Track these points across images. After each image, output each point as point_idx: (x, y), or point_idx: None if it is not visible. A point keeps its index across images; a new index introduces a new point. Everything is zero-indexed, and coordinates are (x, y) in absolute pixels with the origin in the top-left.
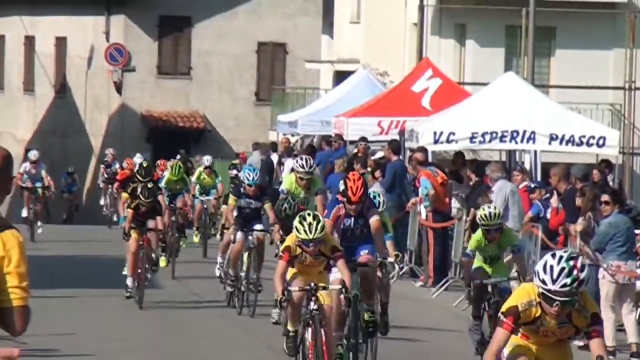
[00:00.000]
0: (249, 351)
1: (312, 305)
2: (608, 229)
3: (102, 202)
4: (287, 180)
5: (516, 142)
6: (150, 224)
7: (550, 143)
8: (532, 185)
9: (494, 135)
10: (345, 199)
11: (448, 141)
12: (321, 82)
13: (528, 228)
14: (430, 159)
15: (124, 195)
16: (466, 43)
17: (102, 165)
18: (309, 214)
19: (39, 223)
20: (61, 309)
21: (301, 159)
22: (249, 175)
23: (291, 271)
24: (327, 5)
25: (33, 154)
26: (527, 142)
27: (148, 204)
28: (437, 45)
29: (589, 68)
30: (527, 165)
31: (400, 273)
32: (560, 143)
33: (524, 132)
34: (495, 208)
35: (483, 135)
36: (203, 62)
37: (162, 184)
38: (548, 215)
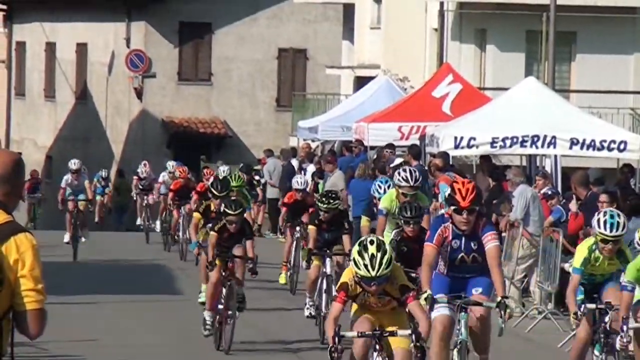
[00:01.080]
0: None
1: (376, 358)
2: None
3: (138, 221)
4: (387, 198)
5: (537, 147)
6: (237, 250)
7: (571, 148)
8: (550, 192)
9: (515, 140)
10: (452, 208)
11: (469, 146)
12: (342, 88)
13: (549, 232)
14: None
15: (196, 215)
16: (487, 48)
17: (135, 177)
18: (372, 242)
19: (82, 239)
20: (83, 315)
21: (404, 170)
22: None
23: (354, 307)
24: (347, 11)
25: (74, 163)
26: (548, 147)
27: (237, 222)
28: (457, 51)
29: (609, 73)
30: (547, 170)
31: None
32: (581, 148)
33: (545, 136)
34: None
35: (504, 140)
36: (224, 68)
37: None
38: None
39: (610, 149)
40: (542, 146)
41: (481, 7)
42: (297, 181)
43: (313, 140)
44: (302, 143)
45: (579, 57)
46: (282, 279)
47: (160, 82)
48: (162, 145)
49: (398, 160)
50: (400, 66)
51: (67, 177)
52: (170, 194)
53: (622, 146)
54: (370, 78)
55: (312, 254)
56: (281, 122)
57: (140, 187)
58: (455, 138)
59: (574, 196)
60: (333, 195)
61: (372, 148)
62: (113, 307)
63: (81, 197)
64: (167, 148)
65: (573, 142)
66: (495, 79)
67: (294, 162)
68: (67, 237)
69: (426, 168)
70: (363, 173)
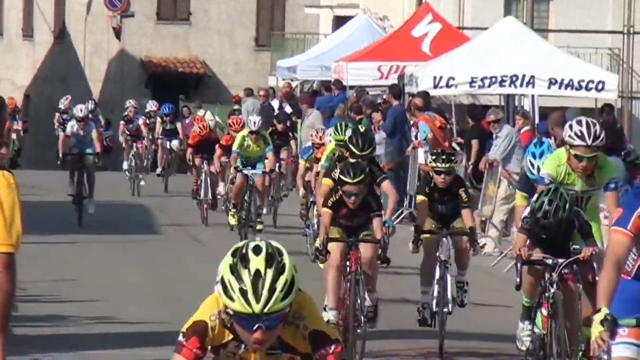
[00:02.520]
0: None
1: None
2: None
3: (125, 165)
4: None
5: (515, 87)
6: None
7: (549, 87)
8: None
9: (494, 79)
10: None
11: (448, 86)
12: (321, 27)
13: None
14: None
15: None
16: None
17: (122, 122)
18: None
19: (89, 210)
20: (63, 255)
21: (578, 123)
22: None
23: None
24: None
25: (80, 109)
26: (527, 86)
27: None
28: None
29: (587, 12)
30: (526, 109)
31: (401, 217)
32: (560, 87)
33: (523, 76)
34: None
35: (482, 79)
36: (202, 8)
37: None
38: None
39: (588, 89)
40: (521, 86)
41: None
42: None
43: (292, 80)
44: (282, 83)
45: None
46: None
47: (139, 21)
48: (140, 85)
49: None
50: (379, 5)
51: (73, 124)
52: (190, 150)
53: (600, 86)
54: (350, 17)
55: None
56: (260, 61)
57: (127, 132)
58: (434, 78)
59: (551, 137)
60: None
61: (352, 87)
62: (93, 248)
63: (88, 150)
64: (145, 87)
65: (551, 82)
66: (475, 19)
67: (274, 103)
68: (70, 189)
69: (406, 107)
70: (342, 113)
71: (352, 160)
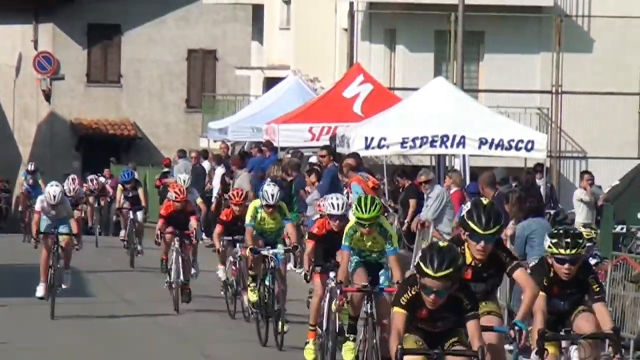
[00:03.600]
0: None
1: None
2: (520, 231)
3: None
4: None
5: (446, 147)
6: None
7: (479, 147)
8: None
9: (425, 140)
10: None
11: (379, 146)
12: (252, 89)
13: (459, 232)
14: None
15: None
16: (396, 48)
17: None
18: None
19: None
20: None
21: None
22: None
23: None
24: (256, 11)
25: (51, 185)
26: (457, 146)
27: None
28: (367, 51)
29: (517, 72)
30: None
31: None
32: (490, 147)
33: (454, 136)
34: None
35: (414, 140)
36: (133, 70)
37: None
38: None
39: (518, 149)
40: (452, 146)
41: (390, 7)
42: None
43: (223, 142)
44: (213, 144)
45: (487, 56)
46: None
47: (69, 84)
48: (71, 147)
49: (314, 159)
50: (310, 67)
51: (42, 199)
52: (160, 221)
53: (529, 145)
54: (280, 79)
55: None
56: (191, 123)
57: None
58: (366, 138)
59: (483, 197)
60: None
61: (283, 149)
62: (23, 310)
63: (62, 229)
64: (76, 150)
65: (482, 142)
66: (405, 79)
67: (205, 164)
68: (40, 291)
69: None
70: (274, 173)
71: (441, 244)
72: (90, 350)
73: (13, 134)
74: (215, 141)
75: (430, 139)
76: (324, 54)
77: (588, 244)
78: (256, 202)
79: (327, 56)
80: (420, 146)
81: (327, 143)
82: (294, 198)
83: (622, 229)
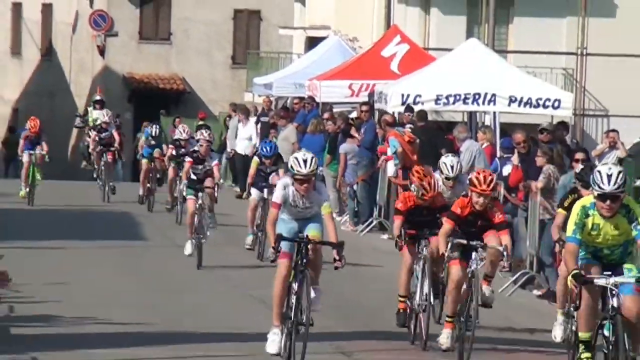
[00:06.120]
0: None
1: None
2: (566, 180)
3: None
4: None
5: (478, 104)
6: None
7: (509, 105)
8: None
9: (457, 97)
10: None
11: (415, 103)
12: (294, 47)
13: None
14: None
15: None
16: (431, 11)
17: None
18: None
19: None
20: (53, 260)
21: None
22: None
23: None
24: None
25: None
26: (488, 104)
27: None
28: (403, 13)
29: (544, 35)
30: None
31: (371, 227)
32: (519, 105)
33: (485, 94)
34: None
35: (447, 97)
36: (182, 29)
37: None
38: (504, 173)
39: (545, 106)
40: (483, 103)
41: None
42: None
43: (267, 96)
44: (263, 98)
45: (516, 20)
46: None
47: (122, 40)
48: (123, 100)
49: (354, 114)
50: (350, 27)
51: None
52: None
53: (556, 104)
54: (322, 39)
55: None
56: (236, 79)
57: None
58: (402, 95)
59: (515, 151)
60: None
61: (324, 104)
62: (80, 253)
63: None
64: (128, 102)
65: (511, 100)
66: (439, 41)
67: (251, 119)
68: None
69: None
70: (315, 128)
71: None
72: (139, 293)
73: (69, 87)
74: (260, 95)
75: (462, 97)
76: (363, 15)
77: None
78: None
79: (365, 17)
80: (454, 103)
81: (366, 99)
82: (337, 150)
83: None
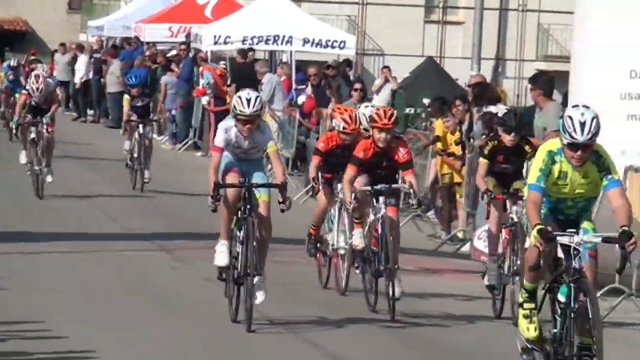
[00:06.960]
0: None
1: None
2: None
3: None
4: None
5: (277, 44)
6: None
7: (303, 45)
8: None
9: (260, 38)
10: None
11: (225, 43)
12: None
13: (289, 111)
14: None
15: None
16: None
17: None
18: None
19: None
20: None
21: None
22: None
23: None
24: None
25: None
26: (286, 44)
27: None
28: None
29: None
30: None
31: (187, 146)
32: (311, 45)
33: (284, 36)
34: None
35: (252, 38)
36: None
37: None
38: (300, 102)
39: (333, 47)
40: (282, 44)
41: None
42: None
43: (99, 37)
44: (95, 38)
45: None
46: None
47: None
48: None
49: (173, 52)
50: None
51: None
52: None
53: (342, 45)
54: None
55: None
56: (72, 21)
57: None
58: (215, 36)
59: (308, 83)
60: None
61: (147, 43)
62: None
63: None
64: None
65: (305, 41)
66: None
67: (82, 57)
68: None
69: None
70: (140, 63)
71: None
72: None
73: None
74: (93, 36)
75: (265, 38)
76: None
77: None
78: None
79: None
80: (257, 43)
81: (184, 40)
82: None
83: (409, 110)
